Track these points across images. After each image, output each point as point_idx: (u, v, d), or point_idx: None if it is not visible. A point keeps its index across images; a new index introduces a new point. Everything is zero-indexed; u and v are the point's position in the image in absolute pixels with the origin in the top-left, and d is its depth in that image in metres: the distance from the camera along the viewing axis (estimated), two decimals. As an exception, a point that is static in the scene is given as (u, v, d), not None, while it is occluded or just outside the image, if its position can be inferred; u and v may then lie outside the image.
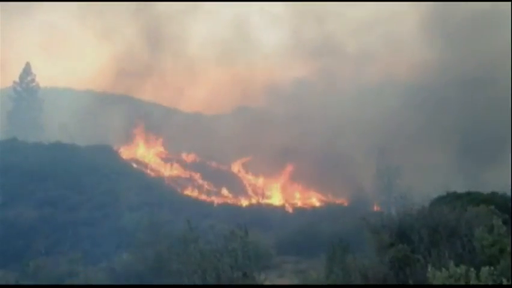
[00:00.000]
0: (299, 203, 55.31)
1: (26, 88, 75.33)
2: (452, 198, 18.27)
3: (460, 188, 20.85)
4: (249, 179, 61.33)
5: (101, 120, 70.34)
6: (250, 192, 57.65)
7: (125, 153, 59.44)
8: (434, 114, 66.01)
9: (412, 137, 61.89)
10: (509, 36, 55.86)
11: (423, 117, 65.64)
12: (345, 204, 54.06)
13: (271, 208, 51.45)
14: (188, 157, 63.09)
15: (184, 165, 60.67)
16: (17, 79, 76.05)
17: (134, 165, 56.00)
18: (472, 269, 8.65)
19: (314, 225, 37.99)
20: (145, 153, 61.88)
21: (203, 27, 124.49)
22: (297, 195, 57.97)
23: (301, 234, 36.45)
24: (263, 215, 44.92)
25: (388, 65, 79.21)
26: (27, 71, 76.30)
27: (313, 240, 33.74)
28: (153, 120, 67.12)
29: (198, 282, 10.62)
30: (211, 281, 10.59)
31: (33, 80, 76.34)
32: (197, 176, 58.09)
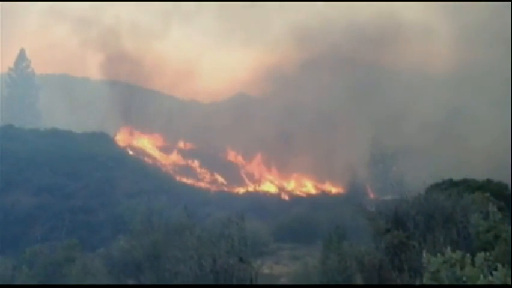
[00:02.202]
0: (295, 191, 55.48)
1: (21, 74, 74.84)
2: (448, 185, 18.35)
3: (456, 175, 20.87)
4: (245, 166, 61.40)
5: (98, 108, 70.06)
6: (246, 179, 57.77)
7: (121, 140, 59.35)
8: (434, 100, 66.09)
9: (408, 124, 61.93)
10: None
11: (422, 104, 65.69)
12: (341, 191, 54.23)
13: (267, 196, 51.63)
14: (186, 145, 63.05)
15: (181, 152, 60.67)
16: (12, 65, 75.59)
17: (131, 153, 55.96)
18: (468, 255, 8.69)
19: (310, 213, 38.20)
20: (141, 140, 61.78)
21: (198, 13, 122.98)
22: (293, 182, 58.11)
23: (298, 221, 36.67)
24: (260, 203, 45.08)
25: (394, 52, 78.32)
26: (22, 57, 75.76)
27: (309, 227, 33.99)
28: (150, 107, 66.88)
29: (194, 267, 10.68)
30: (207, 266, 10.66)
31: (28, 66, 75.84)
32: (194, 163, 58.13)
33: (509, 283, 8.07)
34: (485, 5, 67.98)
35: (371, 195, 50.48)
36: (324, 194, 52.51)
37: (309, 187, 57.13)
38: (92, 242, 30.36)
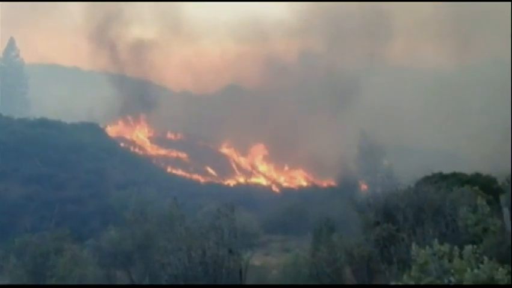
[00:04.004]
0: (286, 183, 55.56)
1: (10, 64, 74.09)
2: (437, 179, 18.45)
3: (446, 168, 21.00)
4: (236, 158, 61.35)
5: (88, 98, 69.46)
6: (237, 171, 57.74)
7: (112, 131, 58.96)
8: (424, 95, 66.63)
9: (401, 118, 62.30)
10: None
11: (412, 98, 66.20)
12: (332, 184, 54.41)
13: (258, 188, 51.67)
14: (177, 136, 62.81)
15: (172, 144, 60.42)
16: (1, 55, 74.84)
17: (122, 144, 55.61)
18: (456, 247, 8.75)
19: (301, 205, 38.31)
20: (132, 131, 61.44)
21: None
22: (285, 175, 58.19)
23: (289, 213, 36.79)
24: (250, 195, 45.09)
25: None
26: (11, 46, 74.96)
27: (300, 219, 34.11)
28: (141, 98, 66.36)
29: (184, 258, 10.65)
30: (196, 257, 10.63)
31: (17, 55, 75.09)
32: (184, 155, 57.93)
33: (496, 276, 8.13)
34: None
35: (362, 188, 50.72)
36: (315, 187, 52.64)
37: (300, 180, 57.24)
38: (82, 232, 30.13)
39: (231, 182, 53.05)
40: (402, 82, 69.83)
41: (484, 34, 71.52)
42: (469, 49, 72.48)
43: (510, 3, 52.86)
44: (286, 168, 59.29)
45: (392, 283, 9.15)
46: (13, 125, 48.90)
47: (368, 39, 75.03)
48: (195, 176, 52.24)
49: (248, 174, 57.55)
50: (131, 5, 76.86)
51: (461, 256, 8.64)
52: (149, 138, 61.24)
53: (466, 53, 72.86)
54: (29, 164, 41.30)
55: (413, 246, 9.33)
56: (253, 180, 55.35)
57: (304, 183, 55.78)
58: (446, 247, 8.83)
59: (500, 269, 8.19)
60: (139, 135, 61.01)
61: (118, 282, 21.45)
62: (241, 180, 54.47)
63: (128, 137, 59.67)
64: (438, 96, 67.25)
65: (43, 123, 50.42)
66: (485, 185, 17.31)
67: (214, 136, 62.91)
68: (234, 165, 59.08)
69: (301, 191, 50.85)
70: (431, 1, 79.16)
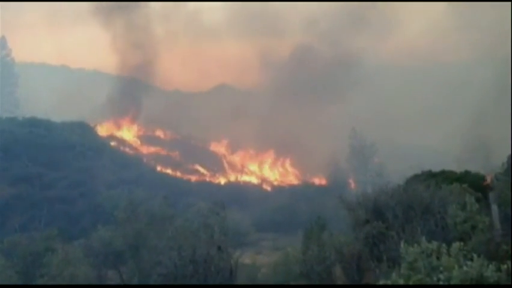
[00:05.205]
0: (277, 182, 55.60)
1: (1, 63, 73.37)
2: (427, 177, 18.56)
3: (437, 166, 21.14)
4: (227, 157, 61.27)
5: (78, 97, 69.01)
6: (228, 170, 57.67)
7: (102, 130, 58.57)
8: (417, 95, 67.12)
9: (393, 117, 62.67)
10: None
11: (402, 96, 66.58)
12: (323, 182, 54.56)
13: (249, 186, 51.64)
14: (167, 135, 62.54)
15: (162, 143, 60.16)
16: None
17: (112, 143, 55.28)
18: (444, 245, 8.79)
19: (292, 203, 38.41)
20: (122, 130, 61.05)
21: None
22: (276, 173, 58.22)
23: (280, 211, 36.87)
24: (242, 193, 45.08)
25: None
26: (2, 45, 74.25)
27: (291, 217, 34.20)
28: (131, 97, 65.94)
29: (174, 257, 10.64)
30: (186, 256, 10.62)
31: (8, 55, 74.39)
32: (175, 154, 57.72)
33: (485, 273, 8.19)
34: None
35: (352, 187, 50.92)
36: (306, 185, 52.71)
37: (292, 178, 57.32)
38: (71, 232, 29.98)
39: (222, 181, 52.99)
40: (394, 81, 70.22)
41: (480, 32, 72.15)
42: (464, 47, 73.11)
43: (510, 3, 53.29)
44: (277, 166, 59.34)
45: (382, 281, 9.17)
46: (2, 125, 48.46)
47: (361, 36, 75.14)
48: (186, 175, 52.09)
49: (239, 172, 57.49)
50: (123, 4, 76.30)
51: (449, 253, 8.69)
52: (139, 137, 60.90)
53: (461, 51, 73.53)
54: (18, 163, 40.96)
55: (402, 244, 9.36)
56: (244, 178, 55.32)
57: (295, 182, 55.86)
58: (434, 245, 8.87)
59: (490, 266, 8.25)
60: (129, 134, 60.66)
61: (109, 282, 21.37)
62: (232, 178, 54.41)
63: (118, 135, 59.31)
64: (431, 94, 67.75)
65: (32, 122, 50.02)
66: (474, 182, 17.46)
67: (205, 135, 62.78)
68: (225, 164, 58.99)
69: (292, 189, 50.88)
70: (433, 1, 79.65)
